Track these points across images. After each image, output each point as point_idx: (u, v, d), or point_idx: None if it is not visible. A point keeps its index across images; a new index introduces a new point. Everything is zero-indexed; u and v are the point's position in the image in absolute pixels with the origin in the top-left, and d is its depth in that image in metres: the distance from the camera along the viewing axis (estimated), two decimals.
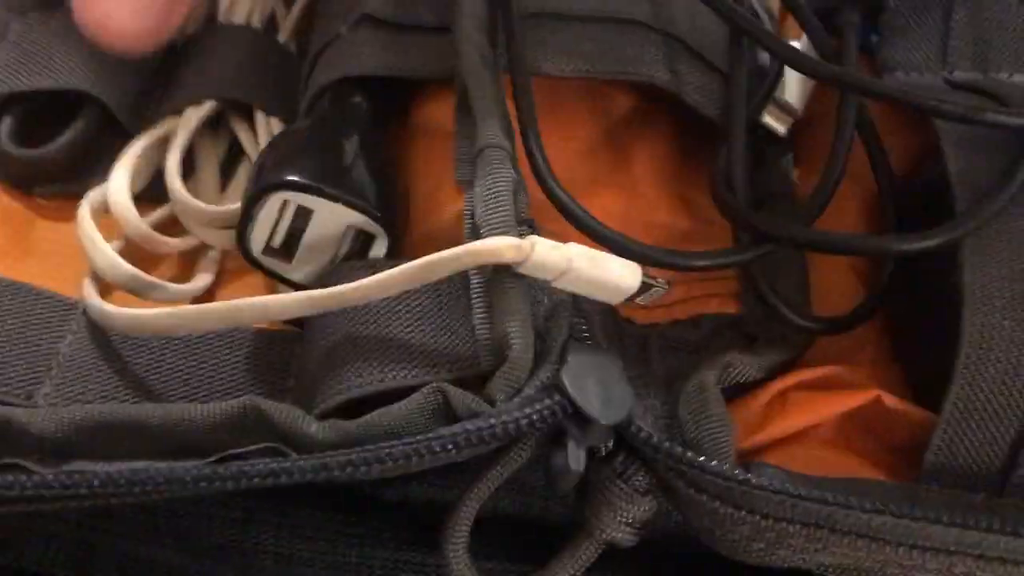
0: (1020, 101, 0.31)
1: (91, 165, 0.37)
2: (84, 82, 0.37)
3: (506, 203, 0.29)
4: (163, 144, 0.38)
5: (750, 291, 0.34)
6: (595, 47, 0.34)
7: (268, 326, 0.34)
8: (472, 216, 0.30)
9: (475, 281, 0.29)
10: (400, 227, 0.34)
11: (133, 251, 0.35)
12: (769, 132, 0.36)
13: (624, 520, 0.28)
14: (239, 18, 0.41)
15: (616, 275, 0.29)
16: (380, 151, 0.35)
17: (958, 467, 0.28)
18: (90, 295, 0.33)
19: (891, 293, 0.33)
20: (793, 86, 0.36)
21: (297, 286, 0.33)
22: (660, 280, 0.30)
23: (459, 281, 0.30)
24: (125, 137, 0.37)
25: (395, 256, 0.33)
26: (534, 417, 0.26)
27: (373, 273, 0.29)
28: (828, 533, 0.26)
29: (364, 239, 0.33)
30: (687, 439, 0.29)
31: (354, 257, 0.33)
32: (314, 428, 0.27)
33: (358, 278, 0.29)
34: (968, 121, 0.30)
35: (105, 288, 0.34)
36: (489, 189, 0.30)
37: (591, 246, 0.29)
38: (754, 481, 0.26)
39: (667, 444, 0.27)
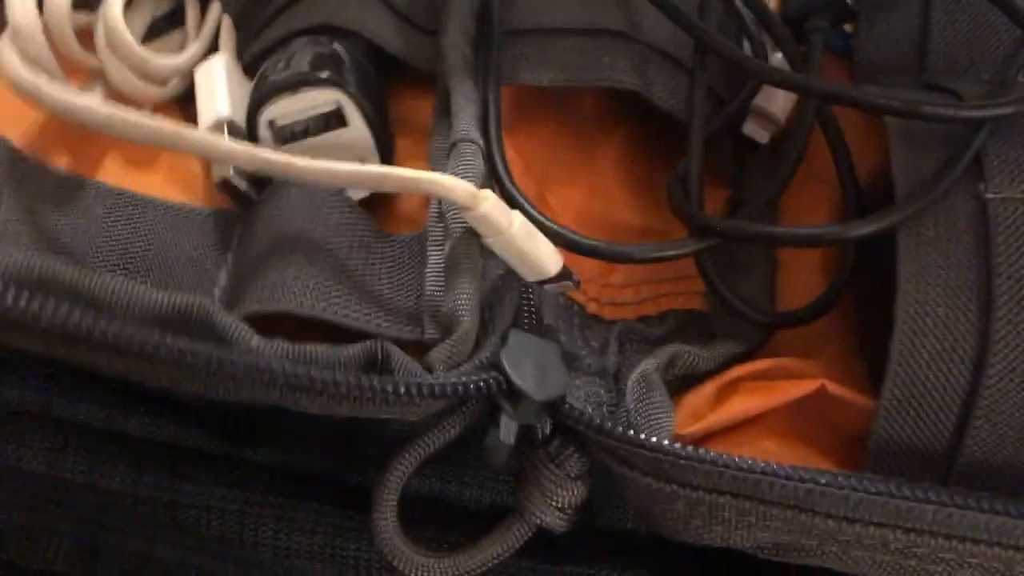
0: (974, 97, 0.31)
1: None
2: None
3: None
4: None
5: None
6: (572, 57, 0.35)
7: (211, 204, 0.34)
8: (439, 203, 0.31)
9: (432, 249, 0.30)
10: None
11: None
12: (750, 141, 0.37)
13: (555, 504, 0.28)
14: None
15: (542, 254, 0.30)
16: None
17: (902, 455, 0.28)
18: (11, 60, 0.29)
19: (855, 288, 0.33)
20: (778, 95, 0.36)
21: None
22: (575, 276, 0.31)
23: (418, 245, 0.30)
24: None
25: None
26: (470, 386, 0.26)
27: None
28: (758, 504, 0.26)
29: None
30: (630, 423, 0.29)
31: None
32: (255, 343, 0.26)
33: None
34: (906, 115, 0.30)
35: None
36: (457, 175, 0.30)
37: None
38: (680, 451, 0.26)
39: (596, 419, 0.27)
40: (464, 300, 0.28)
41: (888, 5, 0.36)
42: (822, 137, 0.35)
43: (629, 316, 0.35)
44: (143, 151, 0.34)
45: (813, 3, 0.36)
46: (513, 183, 0.32)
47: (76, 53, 0.34)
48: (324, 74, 0.32)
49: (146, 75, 0.35)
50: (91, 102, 0.27)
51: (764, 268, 0.34)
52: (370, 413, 0.25)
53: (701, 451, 0.26)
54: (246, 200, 0.33)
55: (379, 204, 0.33)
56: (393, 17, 0.36)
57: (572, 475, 0.28)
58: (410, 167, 0.32)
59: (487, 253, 0.30)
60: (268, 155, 0.27)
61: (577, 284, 0.31)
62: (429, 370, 0.28)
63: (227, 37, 0.37)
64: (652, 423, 0.29)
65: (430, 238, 0.31)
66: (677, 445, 0.26)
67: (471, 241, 0.29)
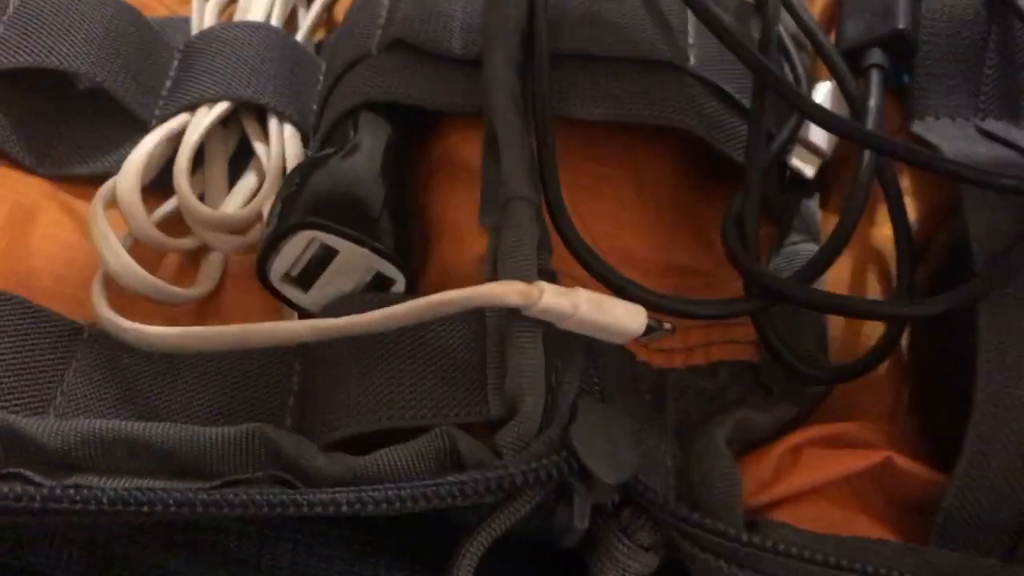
0: None
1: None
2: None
3: (528, 257, 0.29)
4: (176, 138, 0.37)
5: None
6: (625, 90, 0.34)
7: None
8: (494, 265, 0.30)
9: (491, 327, 0.29)
10: (416, 267, 0.33)
11: (137, 247, 0.35)
12: (796, 173, 0.36)
13: (627, 574, 0.28)
14: (257, 15, 0.40)
15: (621, 320, 0.29)
16: (406, 188, 0.35)
17: (969, 531, 0.28)
18: (101, 305, 0.33)
19: (910, 342, 0.33)
20: None
21: (303, 311, 0.33)
22: (666, 324, 0.30)
23: (476, 324, 0.29)
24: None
25: (411, 293, 0.33)
26: (540, 473, 0.26)
27: (382, 305, 0.28)
28: None
29: (383, 280, 0.33)
30: (696, 495, 0.29)
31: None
32: (320, 461, 0.27)
33: (367, 309, 0.29)
34: (982, 185, 0.29)
35: (112, 287, 0.34)
36: (513, 242, 0.29)
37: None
38: (758, 543, 0.26)
39: (672, 505, 0.27)
40: (528, 376, 0.27)
41: (943, 41, 0.35)
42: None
43: (678, 364, 0.34)
44: None
45: (871, 37, 0.35)
46: (579, 239, 0.31)
47: (167, 245, 0.36)
48: (289, 221, 0.32)
49: (233, 230, 0.36)
50: (161, 331, 0.30)
51: (815, 316, 0.34)
52: (446, 506, 0.26)
53: (781, 543, 0.26)
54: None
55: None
56: (414, 61, 0.35)
57: (644, 546, 0.28)
58: (460, 204, 0.32)
59: None
60: (328, 323, 0.29)
61: (673, 330, 0.30)
62: (498, 454, 0.27)
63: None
64: (720, 498, 0.28)
65: (488, 318, 0.30)
66: (755, 536, 0.26)
67: (526, 322, 0.28)
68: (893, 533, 0.29)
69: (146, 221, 0.35)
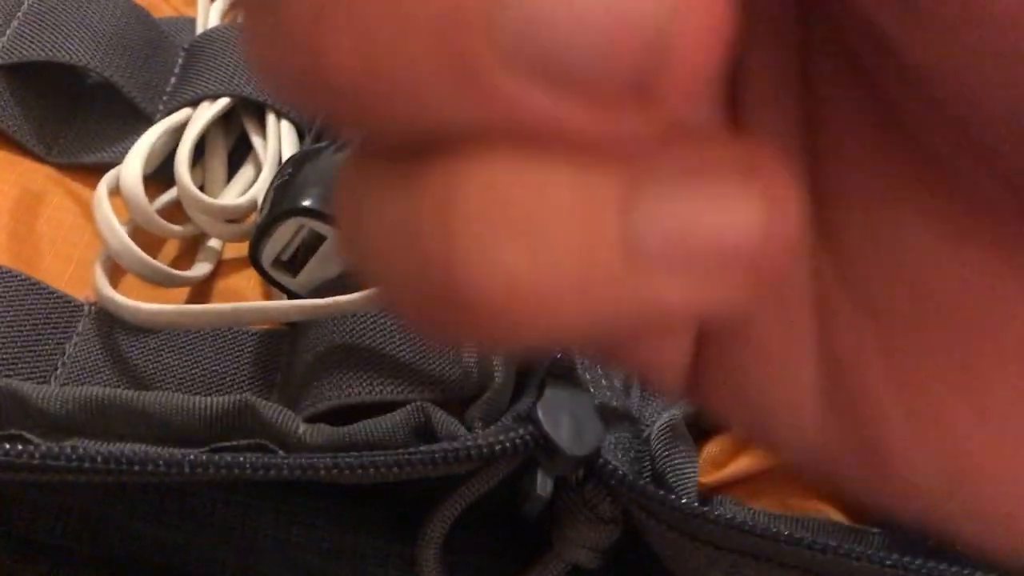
0: None
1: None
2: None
3: None
4: (178, 131, 0.39)
5: None
6: None
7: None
8: None
9: None
10: None
11: (138, 233, 0.37)
12: None
13: (588, 545, 0.30)
14: None
15: None
16: None
17: None
18: (102, 284, 0.34)
19: None
20: None
21: (292, 293, 0.35)
22: None
23: None
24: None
25: None
26: (507, 444, 0.28)
27: (364, 288, 0.30)
28: (777, 567, 0.28)
29: None
30: (656, 471, 0.30)
31: None
32: (302, 430, 0.29)
33: (351, 291, 0.30)
34: None
35: (113, 268, 0.35)
36: None
37: None
38: (708, 514, 0.28)
39: (631, 479, 0.28)
40: (496, 359, 0.29)
41: None
42: None
43: None
44: None
45: None
46: None
47: (166, 231, 0.37)
48: (279, 209, 0.33)
49: (230, 218, 0.38)
50: (157, 308, 0.33)
51: None
52: (418, 475, 0.27)
53: (728, 515, 0.28)
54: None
55: None
56: None
57: (605, 518, 0.29)
58: None
59: None
60: (315, 303, 0.31)
61: None
62: (468, 427, 0.29)
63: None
64: (678, 473, 0.30)
65: None
66: (706, 508, 0.28)
67: None
68: (845, 514, 0.31)
69: (147, 208, 0.36)
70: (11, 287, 0.34)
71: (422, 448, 0.28)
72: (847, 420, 0.14)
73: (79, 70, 0.40)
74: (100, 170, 0.38)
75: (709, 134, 0.13)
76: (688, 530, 0.28)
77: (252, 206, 0.38)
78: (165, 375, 0.34)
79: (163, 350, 0.34)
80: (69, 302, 0.35)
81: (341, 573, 0.33)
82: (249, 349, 0.34)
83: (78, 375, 0.33)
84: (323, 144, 0.36)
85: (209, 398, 0.30)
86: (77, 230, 0.38)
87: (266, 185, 0.38)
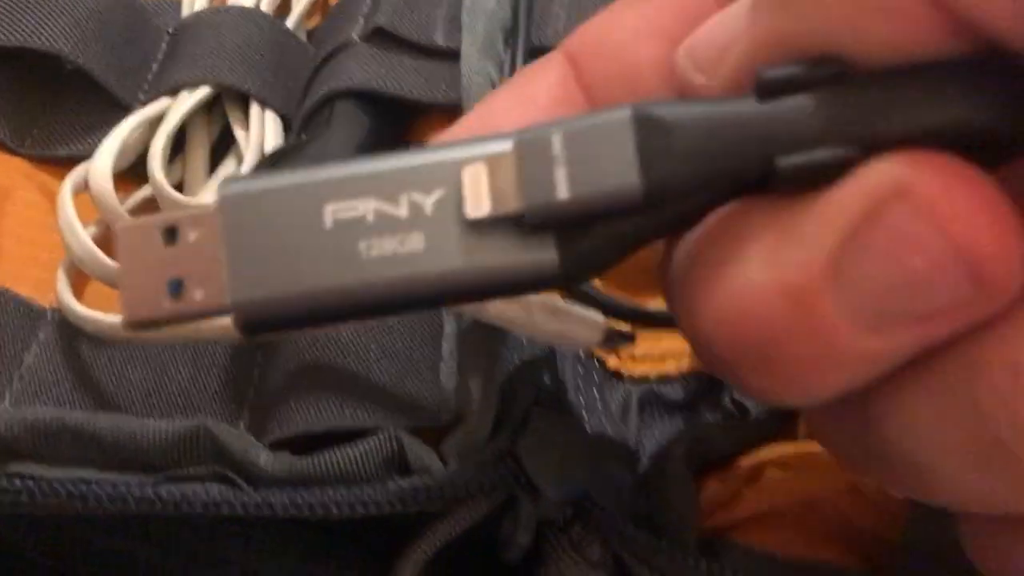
0: None
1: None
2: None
3: None
4: (156, 123, 0.37)
5: None
6: None
7: None
8: None
9: (448, 330, 0.28)
10: None
11: (107, 235, 0.34)
12: None
13: None
14: (248, 0, 0.39)
15: (576, 330, 0.27)
16: None
17: (931, 562, 0.27)
18: (63, 291, 0.32)
19: None
20: None
21: None
22: (627, 333, 0.29)
23: (429, 328, 0.29)
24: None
25: None
26: (484, 483, 0.25)
27: None
28: None
29: None
30: (652, 512, 0.28)
31: None
32: (263, 459, 0.27)
33: None
34: None
35: (77, 274, 0.33)
36: None
37: None
38: (706, 568, 0.26)
39: (621, 525, 0.26)
40: (478, 381, 0.27)
41: None
42: None
43: (649, 371, 0.33)
44: None
45: None
46: None
47: None
48: None
49: None
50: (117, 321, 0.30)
51: None
52: (385, 513, 0.25)
53: (730, 567, 0.25)
54: None
55: None
56: (394, 51, 0.35)
57: (592, 561, 0.27)
58: None
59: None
60: None
61: (633, 339, 0.29)
62: (443, 460, 0.26)
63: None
64: (673, 517, 0.27)
65: (445, 321, 0.29)
66: (705, 562, 0.25)
67: (482, 327, 0.27)
68: (855, 558, 0.29)
69: (118, 207, 0.34)
70: None
71: (390, 484, 0.25)
72: None
73: (53, 57, 0.37)
74: (75, 163, 0.35)
75: None
76: None
77: None
78: (130, 389, 0.31)
79: (129, 363, 0.32)
80: (29, 308, 0.33)
81: None
82: (219, 363, 0.32)
83: (36, 389, 0.31)
84: (305, 139, 0.34)
85: (165, 423, 0.27)
86: (46, 229, 0.35)
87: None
